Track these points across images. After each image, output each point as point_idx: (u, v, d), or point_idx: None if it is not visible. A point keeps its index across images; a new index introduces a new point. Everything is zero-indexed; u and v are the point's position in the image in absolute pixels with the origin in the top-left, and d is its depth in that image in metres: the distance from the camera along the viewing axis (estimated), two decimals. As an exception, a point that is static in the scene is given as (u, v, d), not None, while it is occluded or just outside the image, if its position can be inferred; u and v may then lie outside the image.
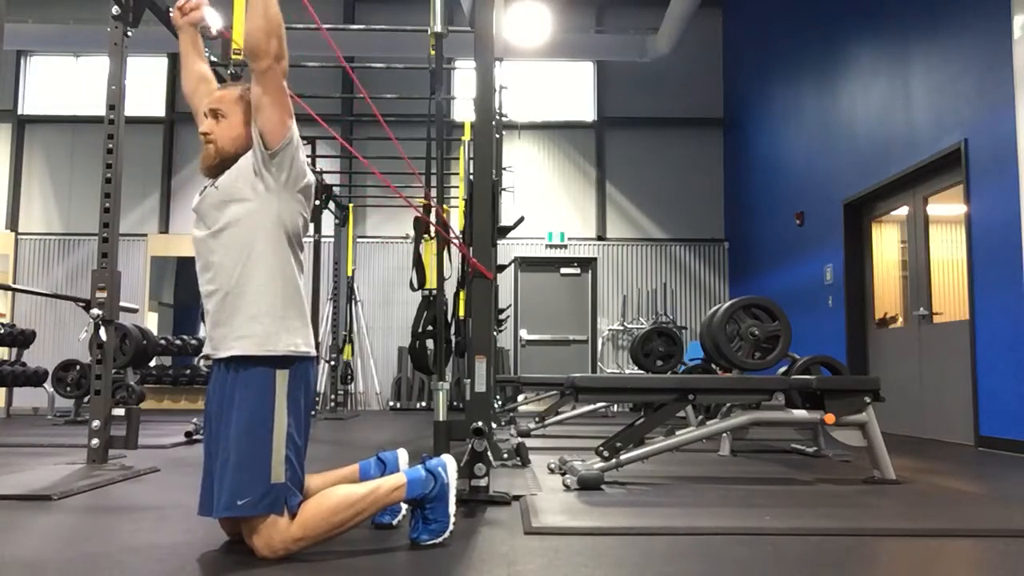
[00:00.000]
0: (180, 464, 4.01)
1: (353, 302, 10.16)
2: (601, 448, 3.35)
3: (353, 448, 5.04)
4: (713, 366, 5.22)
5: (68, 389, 7.66)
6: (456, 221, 7.27)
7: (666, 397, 3.48)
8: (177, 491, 3.09)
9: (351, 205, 10.05)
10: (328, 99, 10.17)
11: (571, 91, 11.34)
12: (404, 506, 2.32)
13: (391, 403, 10.46)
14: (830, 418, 3.43)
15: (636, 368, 7.01)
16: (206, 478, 2.04)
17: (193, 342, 9.41)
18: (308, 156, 2.24)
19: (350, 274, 9.97)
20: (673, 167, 11.11)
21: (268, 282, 2.03)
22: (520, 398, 8.71)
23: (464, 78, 10.75)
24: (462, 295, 5.94)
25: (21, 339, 8.01)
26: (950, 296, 5.98)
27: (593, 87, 11.29)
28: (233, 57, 4.62)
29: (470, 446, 2.74)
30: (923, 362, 6.27)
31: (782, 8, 9.07)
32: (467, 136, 6.92)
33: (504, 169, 8.31)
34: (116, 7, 3.78)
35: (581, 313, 10.95)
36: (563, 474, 3.28)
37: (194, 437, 5.14)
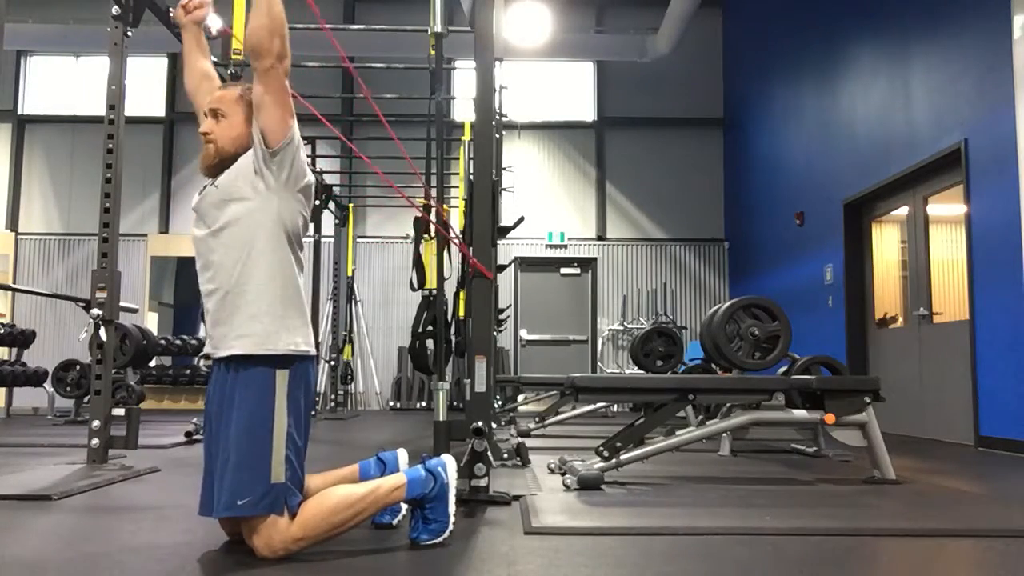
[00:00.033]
0: (180, 464, 4.01)
1: (353, 302, 10.16)
2: (601, 448, 3.35)
3: (353, 448, 5.04)
4: (713, 366, 5.22)
5: (68, 389, 7.66)
6: (456, 221, 7.28)
7: (666, 397, 3.48)
8: (177, 491, 3.09)
9: (351, 205, 10.05)
10: (328, 99, 10.17)
11: (571, 91, 11.34)
12: (404, 506, 2.32)
13: (391, 403, 10.46)
14: (830, 418, 3.43)
15: (636, 368, 7.01)
16: (206, 478, 2.04)
17: (193, 342, 9.41)
18: (308, 156, 2.24)
19: (350, 274, 9.97)
20: (673, 167, 11.11)
21: (268, 281, 2.03)
22: (520, 398, 8.71)
23: (464, 78, 10.75)
24: (462, 295, 5.94)
25: (21, 339, 8.01)
26: (950, 296, 5.98)
27: (593, 87, 11.29)
28: (233, 57, 4.63)
29: (470, 446, 2.74)
30: (923, 362, 6.27)
31: (782, 8, 9.07)
32: (467, 136, 6.93)
33: (504, 169, 8.31)
34: (116, 7, 3.78)
35: (581, 313, 10.95)
36: (563, 474, 3.28)
37: (194, 437, 5.14)
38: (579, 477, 3.11)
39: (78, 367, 7.65)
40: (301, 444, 2.02)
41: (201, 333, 9.65)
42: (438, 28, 4.52)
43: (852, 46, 7.30)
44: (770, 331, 4.17)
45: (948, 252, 6.05)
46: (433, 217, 4.78)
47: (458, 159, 7.52)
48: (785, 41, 9.00)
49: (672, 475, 3.61)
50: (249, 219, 2.03)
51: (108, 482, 3.21)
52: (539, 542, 2.19)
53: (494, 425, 5.24)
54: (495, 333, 6.87)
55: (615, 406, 8.30)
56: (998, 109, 5.15)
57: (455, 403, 8.86)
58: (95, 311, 3.63)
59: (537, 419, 6.11)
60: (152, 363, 9.25)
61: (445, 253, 4.73)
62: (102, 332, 3.65)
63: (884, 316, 6.99)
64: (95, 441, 3.60)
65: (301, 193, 2.11)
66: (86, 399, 6.24)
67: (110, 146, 3.76)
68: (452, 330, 5.82)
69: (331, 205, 9.10)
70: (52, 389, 7.85)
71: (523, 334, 10.83)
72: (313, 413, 7.13)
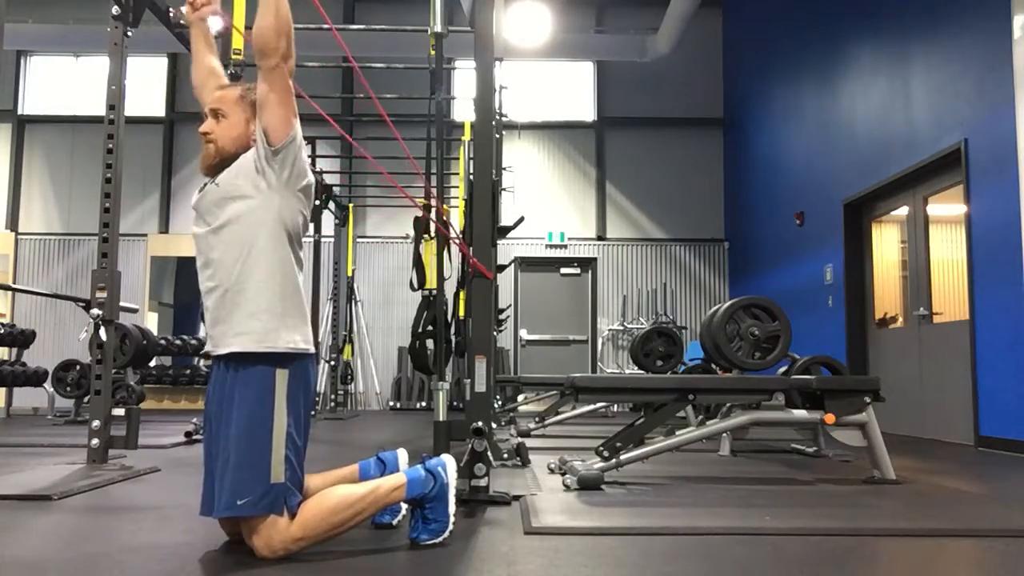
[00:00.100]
0: (180, 464, 4.01)
1: (353, 302, 10.16)
2: (601, 448, 3.35)
3: (353, 448, 5.04)
4: (713, 366, 5.22)
5: (68, 389, 7.66)
6: (456, 221, 7.27)
7: (666, 397, 3.48)
8: (177, 491, 3.09)
9: (351, 205, 10.05)
10: (328, 99, 10.17)
11: (571, 91, 11.34)
12: (404, 506, 2.32)
13: (391, 403, 10.46)
14: (830, 418, 3.43)
15: (636, 368, 7.01)
16: (207, 478, 2.04)
17: (193, 342, 9.41)
18: (308, 156, 2.24)
19: (350, 274, 9.97)
20: (673, 167, 11.11)
21: (268, 279, 2.03)
22: (520, 398, 8.71)
23: (464, 78, 10.75)
24: (462, 295, 5.94)
25: (21, 339, 8.01)
26: (950, 296, 5.98)
27: (593, 87, 11.29)
28: (233, 57, 4.63)
29: (470, 446, 2.74)
30: (923, 362, 6.27)
31: (782, 8, 9.07)
32: (467, 136, 6.93)
33: (504, 169, 8.31)
34: (116, 7, 3.78)
35: (581, 313, 10.95)
36: (563, 474, 3.28)
37: (194, 437, 5.14)
38: (579, 477, 3.11)
39: (78, 367, 7.65)
40: (301, 444, 2.02)
41: (201, 333, 9.65)
42: (438, 28, 4.52)
43: (852, 46, 7.30)
44: (770, 331, 4.17)
45: (948, 252, 6.05)
46: (434, 216, 4.78)
47: (458, 159, 7.52)
48: (785, 41, 9.00)
49: (672, 475, 3.61)
50: (250, 217, 2.03)
51: (108, 482, 3.21)
52: (539, 542, 2.19)
53: (494, 425, 5.24)
54: (495, 333, 6.88)
55: (615, 406, 8.30)
56: (998, 109, 5.15)
57: (455, 403, 8.87)
58: (95, 311, 3.63)
59: (537, 419, 6.11)
60: (152, 363, 9.25)
61: (445, 253, 4.73)
62: (102, 332, 3.65)
63: (884, 316, 6.99)
64: (95, 441, 3.60)
65: (301, 192, 2.11)
66: (86, 399, 6.24)
67: (110, 146, 3.76)
68: (452, 330, 5.82)
69: (331, 205, 9.10)
70: (52, 389, 7.85)
71: (523, 334, 10.83)
72: (313, 413, 7.14)
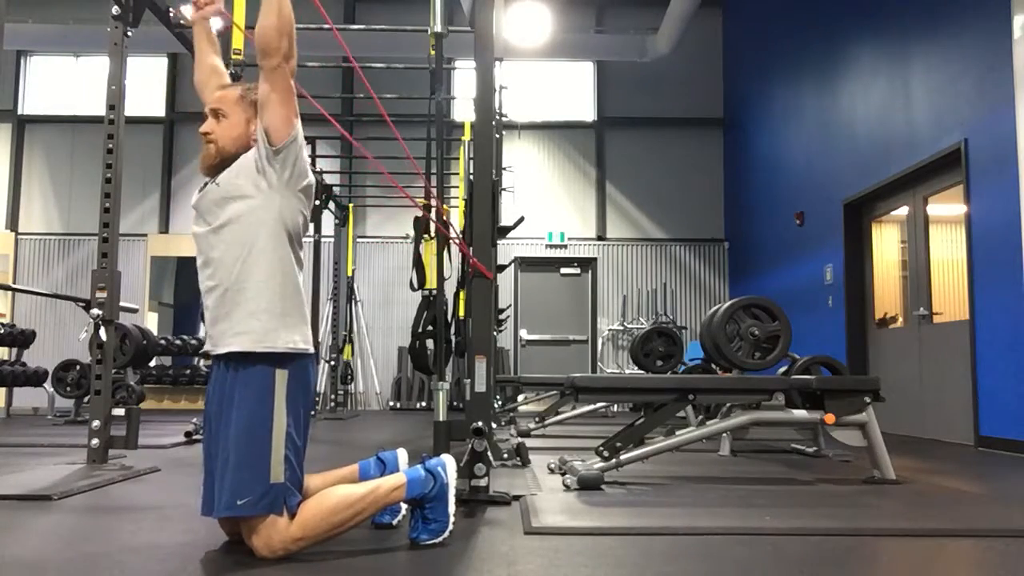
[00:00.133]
0: (180, 464, 4.01)
1: (353, 302, 10.16)
2: (601, 448, 3.35)
3: (353, 448, 5.04)
4: (713, 366, 5.22)
5: (68, 389, 7.66)
6: (456, 221, 7.28)
7: (666, 397, 3.48)
8: (177, 491, 3.09)
9: (351, 205, 10.06)
10: (328, 99, 10.17)
11: (571, 91, 11.34)
12: (404, 506, 2.32)
13: (391, 403, 10.46)
14: (830, 418, 3.43)
15: (636, 368, 7.01)
16: (207, 478, 2.04)
17: (193, 342, 9.41)
18: (308, 156, 2.23)
19: (350, 274, 9.97)
20: (673, 167, 11.11)
21: (268, 279, 2.03)
22: (520, 398, 8.71)
23: (464, 78, 10.75)
24: (462, 295, 5.94)
25: (21, 339, 8.01)
26: (950, 296, 5.98)
27: (593, 87, 11.29)
28: (233, 57, 4.63)
29: (470, 446, 2.74)
30: (923, 362, 6.27)
31: (782, 8, 9.07)
32: (467, 136, 6.93)
33: (504, 169, 8.31)
34: (116, 7, 3.78)
35: (581, 313, 10.95)
36: (563, 474, 3.28)
37: (194, 437, 5.14)
38: (579, 477, 3.11)
39: (78, 367, 7.65)
40: (300, 444, 2.02)
41: (201, 333, 9.65)
42: (438, 28, 4.52)
43: (852, 46, 7.30)
44: (770, 331, 4.17)
45: (948, 252, 6.05)
46: (434, 216, 4.78)
47: (458, 159, 7.52)
48: (785, 41, 9.00)
49: (672, 475, 3.61)
50: (251, 217, 2.03)
51: (108, 482, 3.21)
52: (539, 542, 2.19)
53: (494, 425, 5.24)
54: (495, 333, 6.88)
55: (615, 406, 8.30)
56: (998, 109, 5.15)
57: (455, 403, 8.87)
58: (95, 311, 3.63)
59: (537, 419, 6.11)
60: (152, 363, 9.25)
61: (445, 253, 4.73)
62: (102, 332, 3.65)
63: (884, 316, 6.99)
64: (95, 441, 3.60)
65: (302, 192, 2.11)
66: (86, 399, 6.24)
67: (110, 146, 3.76)
68: (452, 330, 5.82)
69: (331, 205, 9.10)
70: (52, 389, 7.85)
71: (523, 334, 10.83)
72: (313, 413, 7.15)
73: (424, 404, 10.31)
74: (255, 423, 1.95)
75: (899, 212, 6.75)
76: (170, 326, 10.72)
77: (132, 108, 4.74)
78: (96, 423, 3.60)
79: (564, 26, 10.49)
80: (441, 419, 3.23)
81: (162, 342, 9.08)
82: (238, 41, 4.71)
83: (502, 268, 8.11)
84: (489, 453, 2.78)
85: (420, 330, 5.13)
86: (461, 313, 5.93)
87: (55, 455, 4.27)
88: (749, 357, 4.18)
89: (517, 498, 2.84)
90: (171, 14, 4.31)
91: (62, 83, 11.15)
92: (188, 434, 5.20)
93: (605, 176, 11.11)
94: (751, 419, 3.49)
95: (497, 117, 6.95)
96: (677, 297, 10.89)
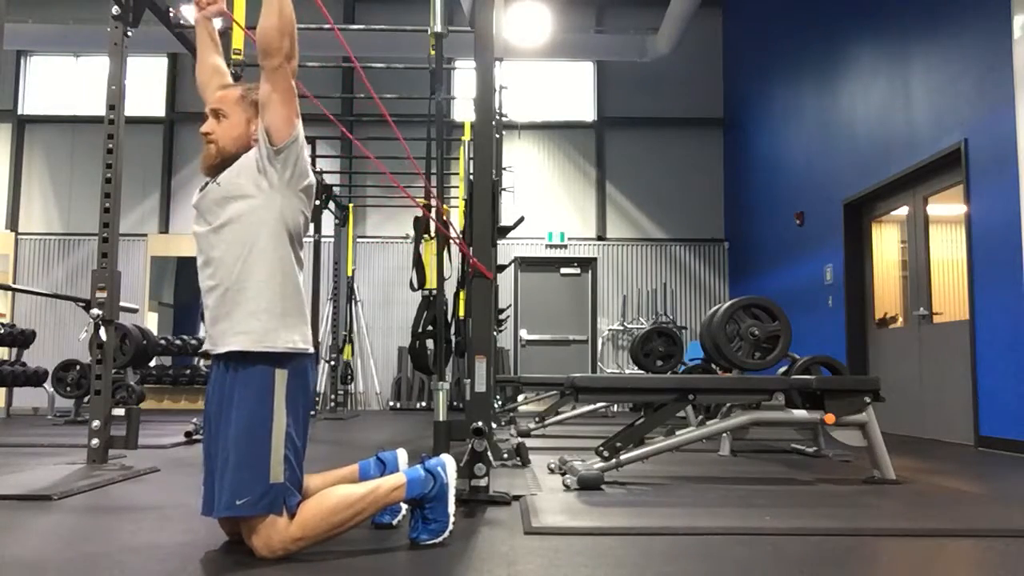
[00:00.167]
0: (180, 464, 4.01)
1: (353, 302, 10.16)
2: (601, 448, 3.35)
3: (353, 448, 5.04)
4: (713, 366, 5.22)
5: (68, 389, 7.66)
6: (456, 221, 7.28)
7: (666, 397, 3.48)
8: (177, 491, 3.09)
9: (351, 205, 10.06)
10: (328, 99, 10.17)
11: (571, 91, 11.34)
12: (404, 506, 2.32)
13: (391, 403, 10.46)
14: (830, 418, 3.43)
15: (636, 368, 7.01)
16: (207, 478, 2.04)
17: (193, 342, 9.41)
18: (308, 156, 2.23)
19: (350, 274, 9.97)
20: (673, 167, 11.11)
21: (268, 279, 2.03)
22: (520, 398, 8.71)
23: (464, 78, 10.75)
24: (462, 295, 5.94)
25: (21, 339, 8.01)
26: (950, 296, 5.98)
27: (593, 87, 11.29)
28: (233, 58, 4.63)
29: (470, 446, 2.74)
30: (923, 362, 6.27)
31: (782, 8, 9.07)
32: (467, 136, 6.93)
33: (504, 169, 8.31)
34: (116, 7, 3.78)
35: (581, 313, 10.95)
36: (563, 474, 3.28)
37: (194, 437, 5.14)
38: (579, 477, 3.11)
39: (78, 367, 7.65)
40: (300, 444, 2.02)
41: (201, 333, 9.65)
42: (438, 28, 4.52)
43: (852, 46, 7.30)
44: (770, 331, 4.17)
45: (948, 252, 6.05)
46: (434, 216, 4.78)
47: (458, 159, 7.52)
48: (785, 41, 9.00)
49: (672, 475, 3.61)
50: (252, 216, 2.03)
51: (108, 482, 3.21)
52: (539, 542, 2.19)
53: (494, 425, 5.24)
54: (495, 333, 6.88)
55: (615, 406, 8.30)
56: (998, 109, 5.15)
57: (455, 403, 8.87)
58: (95, 311, 3.63)
59: (537, 419, 6.11)
60: (152, 363, 9.25)
61: (445, 253, 4.73)
62: (102, 332, 3.65)
63: (884, 316, 6.99)
64: (95, 441, 3.60)
65: (303, 192, 2.12)
66: (86, 399, 6.24)
67: (110, 146, 3.76)
68: (452, 330, 5.82)
69: (331, 205, 9.10)
70: (52, 389, 7.85)
71: (523, 334, 10.83)
72: (313, 413, 7.14)
73: (424, 404, 10.30)
74: (255, 423, 1.95)
75: (899, 212, 6.75)
76: (170, 326, 10.73)
77: (132, 108, 4.74)
78: (96, 423, 3.60)
79: (564, 26, 10.49)
80: (441, 419, 3.23)
81: (162, 342, 9.08)
82: (239, 41, 4.71)
83: (502, 268, 8.11)
84: (489, 453, 2.78)
85: (420, 330, 5.13)
86: (461, 313, 5.93)
87: (55, 455, 4.28)
88: (749, 357, 4.18)
89: (517, 498, 2.84)
90: (171, 14, 4.31)
91: (62, 83, 11.15)
92: (188, 434, 5.20)
93: (605, 176, 11.11)
94: (751, 419, 3.49)
95: (497, 117, 6.95)
96: (677, 297, 10.89)
